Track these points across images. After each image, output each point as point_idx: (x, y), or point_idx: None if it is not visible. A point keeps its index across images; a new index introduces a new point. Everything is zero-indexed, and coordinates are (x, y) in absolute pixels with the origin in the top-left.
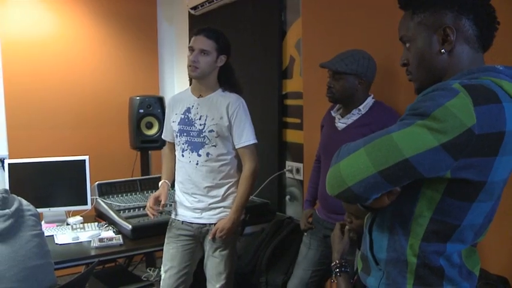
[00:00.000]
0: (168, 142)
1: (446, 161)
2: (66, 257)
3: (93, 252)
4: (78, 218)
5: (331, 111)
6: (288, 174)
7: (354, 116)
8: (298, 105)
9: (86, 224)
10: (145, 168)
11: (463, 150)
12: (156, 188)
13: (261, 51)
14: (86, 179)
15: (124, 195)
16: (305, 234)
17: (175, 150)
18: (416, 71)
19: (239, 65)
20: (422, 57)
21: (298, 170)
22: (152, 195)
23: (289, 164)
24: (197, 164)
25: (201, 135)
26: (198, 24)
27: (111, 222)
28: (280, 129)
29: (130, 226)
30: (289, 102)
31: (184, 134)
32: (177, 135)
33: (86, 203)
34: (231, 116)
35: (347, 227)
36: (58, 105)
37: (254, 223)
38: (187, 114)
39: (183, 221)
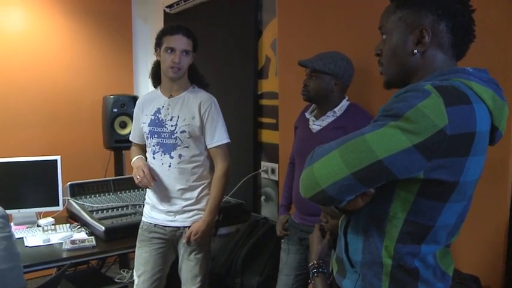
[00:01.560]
0: (135, 144)
1: (419, 162)
2: (36, 260)
3: (64, 255)
4: (50, 220)
5: (305, 113)
6: (263, 175)
7: (328, 118)
8: (274, 105)
9: (57, 226)
10: (119, 168)
11: (435, 150)
12: (129, 188)
13: (236, 51)
14: (58, 179)
15: (97, 195)
16: (282, 240)
17: (143, 151)
18: (387, 64)
19: (215, 64)
20: (395, 53)
21: (273, 171)
22: (139, 167)
23: (264, 165)
24: (169, 166)
25: (173, 137)
26: (173, 22)
27: (83, 224)
28: (255, 129)
29: (103, 227)
30: (264, 102)
31: (155, 136)
32: (147, 137)
33: (57, 204)
34: (203, 115)
35: (323, 225)
36: (29, 104)
37: (229, 224)
38: (157, 115)
39: (155, 224)
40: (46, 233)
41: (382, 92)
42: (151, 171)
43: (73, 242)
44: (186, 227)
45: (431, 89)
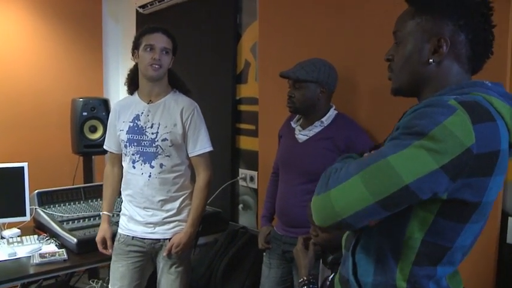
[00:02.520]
0: (111, 154)
1: (445, 184)
2: (1, 277)
3: (33, 270)
4: (15, 231)
5: (291, 122)
6: (241, 183)
7: (316, 128)
8: (253, 111)
9: (24, 237)
10: (88, 174)
11: (461, 171)
12: (101, 196)
13: (214, 55)
14: (25, 188)
15: (67, 204)
16: (264, 253)
17: (119, 164)
18: (398, 71)
19: (191, 68)
20: (409, 61)
21: (252, 178)
22: (98, 240)
23: (243, 172)
24: (150, 176)
25: (154, 145)
26: (146, 23)
27: (52, 235)
28: (233, 135)
29: (75, 239)
30: (243, 108)
31: (135, 144)
32: (125, 145)
33: (24, 214)
34: (185, 122)
35: (312, 240)
36: None
37: (206, 233)
38: (136, 122)
39: (133, 237)
40: (11, 245)
41: (368, 99)
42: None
43: (42, 255)
44: (167, 239)
45: (456, 105)
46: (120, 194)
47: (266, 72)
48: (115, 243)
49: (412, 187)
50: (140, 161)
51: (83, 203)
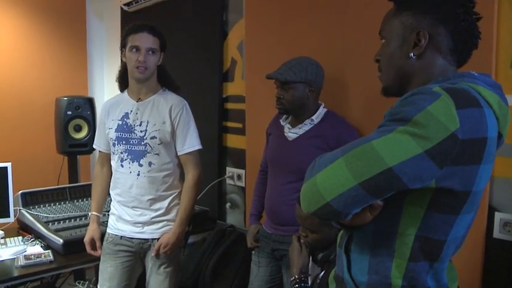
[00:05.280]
0: (100, 153)
1: (431, 170)
2: None
3: (17, 272)
4: None
5: (280, 120)
6: (228, 181)
7: (306, 126)
8: (240, 109)
9: (8, 239)
10: (73, 174)
11: (447, 157)
12: (87, 196)
13: (200, 53)
14: (8, 188)
15: (52, 204)
16: (253, 252)
17: (108, 164)
18: (385, 70)
19: (177, 66)
20: (392, 57)
21: (239, 177)
22: (86, 241)
23: (230, 170)
24: (138, 174)
25: (142, 143)
26: (131, 21)
27: (38, 236)
28: (220, 133)
29: (61, 240)
30: (230, 106)
31: (123, 142)
32: (114, 144)
33: (7, 215)
34: (174, 119)
35: (301, 239)
36: None
37: (194, 232)
38: (125, 119)
39: (121, 236)
40: None
41: (357, 97)
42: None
43: (27, 257)
44: (155, 239)
45: (440, 91)
46: (109, 193)
47: (253, 70)
48: (104, 242)
49: (396, 170)
50: (128, 160)
51: (69, 203)
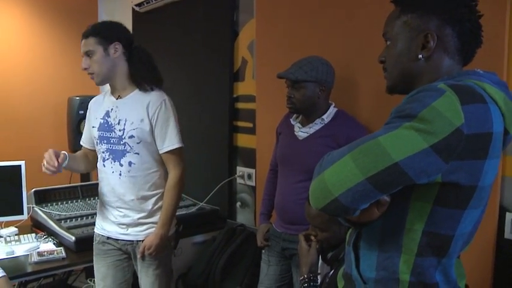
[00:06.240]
0: (84, 148)
1: (436, 164)
2: None
3: (31, 268)
4: (13, 229)
5: (290, 119)
6: (239, 180)
7: (316, 126)
8: (250, 109)
9: (21, 236)
10: (85, 173)
11: (453, 151)
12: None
13: (211, 52)
14: (22, 186)
15: (64, 203)
16: (263, 251)
17: (86, 157)
18: (391, 70)
19: (188, 66)
20: (399, 59)
21: (250, 176)
22: (50, 152)
23: (240, 170)
24: (120, 174)
25: (121, 142)
26: (142, 21)
27: (50, 233)
28: (230, 133)
29: (73, 237)
30: (240, 105)
31: (105, 141)
32: (97, 143)
33: (21, 213)
34: (152, 117)
35: (312, 237)
36: None
37: (204, 231)
38: (106, 118)
39: (108, 237)
40: (9, 244)
41: (367, 96)
42: (57, 155)
43: (40, 253)
44: (140, 240)
45: (445, 88)
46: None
47: (263, 70)
48: (94, 243)
49: (402, 165)
50: (110, 159)
51: (80, 201)
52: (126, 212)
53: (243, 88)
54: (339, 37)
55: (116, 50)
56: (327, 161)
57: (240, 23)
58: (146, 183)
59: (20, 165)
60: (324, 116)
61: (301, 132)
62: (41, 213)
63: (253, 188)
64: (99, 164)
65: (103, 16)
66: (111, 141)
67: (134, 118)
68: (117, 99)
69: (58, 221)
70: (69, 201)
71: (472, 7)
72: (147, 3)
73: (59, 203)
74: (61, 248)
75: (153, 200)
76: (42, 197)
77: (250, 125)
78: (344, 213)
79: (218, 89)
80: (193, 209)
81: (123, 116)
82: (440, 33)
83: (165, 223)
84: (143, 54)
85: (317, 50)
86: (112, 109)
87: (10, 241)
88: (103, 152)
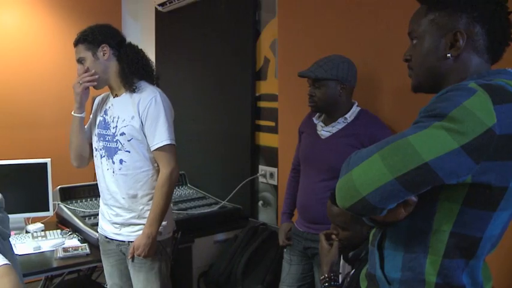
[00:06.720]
0: None
1: (467, 165)
2: (27, 269)
3: (56, 263)
4: (39, 225)
5: (313, 118)
6: (261, 179)
7: (339, 125)
8: (273, 107)
9: (47, 232)
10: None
11: (484, 152)
12: None
13: (233, 52)
14: (48, 183)
15: (88, 200)
16: (285, 250)
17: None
18: (417, 69)
19: (210, 65)
20: (427, 58)
21: (272, 175)
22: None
23: (262, 169)
24: (113, 172)
25: (114, 140)
26: (165, 21)
27: (75, 230)
28: (253, 132)
29: (97, 234)
30: (262, 104)
31: (101, 139)
32: (96, 140)
33: (47, 209)
34: (142, 114)
35: (333, 236)
36: (15, 104)
37: (226, 229)
38: (104, 116)
39: (105, 236)
40: (36, 240)
41: (390, 95)
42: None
43: (65, 249)
44: (132, 241)
45: (476, 87)
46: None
47: (286, 69)
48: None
49: (432, 165)
50: (106, 156)
51: None
52: (118, 211)
53: (265, 87)
54: (362, 36)
55: (105, 52)
56: (355, 160)
57: (262, 22)
58: (137, 182)
59: (46, 163)
60: (347, 115)
61: (324, 131)
62: (66, 209)
63: (275, 187)
64: (97, 161)
65: (127, 17)
66: (107, 139)
67: (126, 115)
68: (114, 97)
69: (82, 218)
70: (93, 199)
71: (502, 4)
72: (169, 3)
73: (83, 200)
74: (85, 244)
75: (144, 200)
76: (67, 194)
77: (273, 124)
78: (371, 213)
79: (240, 88)
80: (215, 208)
81: (117, 114)
82: (469, 31)
83: (152, 222)
84: (131, 50)
85: (340, 49)
86: (109, 107)
87: (37, 237)
88: (100, 150)
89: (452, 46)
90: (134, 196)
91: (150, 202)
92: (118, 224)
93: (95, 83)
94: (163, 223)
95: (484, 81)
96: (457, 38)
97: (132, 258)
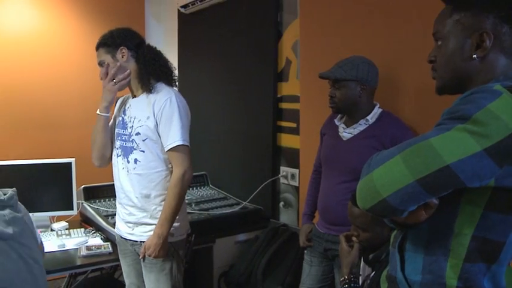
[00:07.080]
0: None
1: (490, 168)
2: (52, 266)
3: (80, 261)
4: (63, 224)
5: (335, 120)
6: (282, 180)
7: (360, 126)
8: (294, 109)
9: (71, 230)
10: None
11: (508, 155)
12: None
13: (255, 53)
14: (72, 183)
15: (111, 199)
16: (305, 251)
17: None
18: (442, 70)
19: (232, 66)
20: (452, 59)
21: (293, 176)
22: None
23: (284, 170)
24: (128, 171)
25: (130, 139)
26: (187, 23)
27: (98, 229)
28: (274, 133)
29: None
30: (284, 105)
31: (119, 138)
32: (114, 139)
33: (71, 208)
34: (157, 114)
35: (354, 238)
36: (41, 106)
37: (247, 230)
38: (123, 116)
39: (121, 236)
40: (60, 237)
41: (412, 97)
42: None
43: (89, 248)
44: (144, 242)
45: (502, 89)
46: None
47: (307, 70)
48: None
49: (453, 167)
50: (122, 156)
51: None
52: (131, 209)
53: (287, 88)
54: (384, 37)
55: (123, 54)
56: (376, 161)
57: (283, 23)
58: (151, 182)
59: (71, 163)
60: (369, 117)
61: (345, 132)
62: (89, 209)
63: (297, 188)
64: (114, 159)
65: (150, 19)
66: (123, 138)
67: (142, 116)
68: (133, 98)
69: (105, 217)
70: (116, 198)
71: None
72: (192, 4)
73: (106, 200)
74: (108, 243)
75: (157, 200)
76: (91, 194)
77: (294, 125)
78: (391, 215)
79: (262, 89)
80: (236, 208)
81: (134, 114)
82: (496, 32)
83: (163, 223)
84: (149, 51)
85: (362, 50)
86: (128, 108)
87: (61, 235)
88: (117, 149)
89: (479, 47)
90: (147, 196)
91: (163, 203)
92: (131, 223)
93: (128, 82)
94: (176, 224)
95: (510, 83)
96: (484, 39)
97: (144, 258)
